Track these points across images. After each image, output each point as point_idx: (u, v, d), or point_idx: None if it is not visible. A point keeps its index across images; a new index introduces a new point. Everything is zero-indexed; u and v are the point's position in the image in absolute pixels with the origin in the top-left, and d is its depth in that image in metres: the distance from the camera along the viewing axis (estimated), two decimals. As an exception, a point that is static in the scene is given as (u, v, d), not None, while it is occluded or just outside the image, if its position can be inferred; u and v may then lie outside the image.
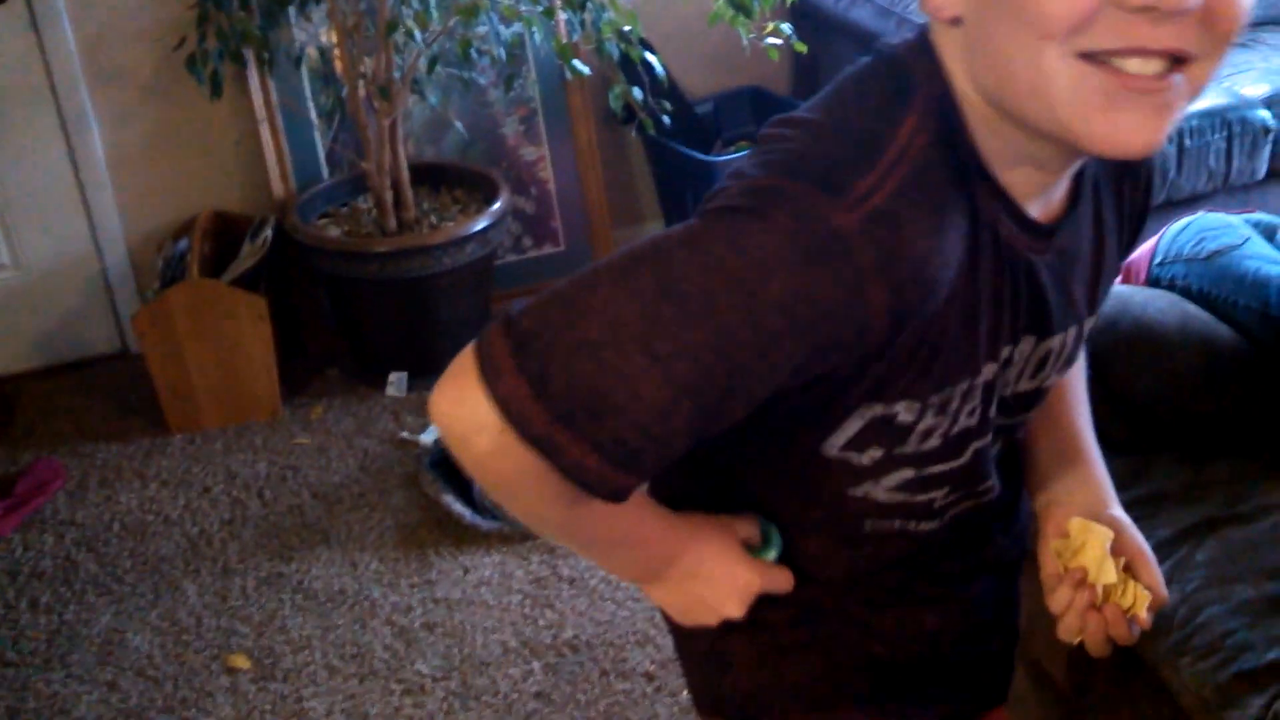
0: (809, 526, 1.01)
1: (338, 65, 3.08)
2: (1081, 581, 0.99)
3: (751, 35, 2.83)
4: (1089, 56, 0.75)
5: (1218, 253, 1.84)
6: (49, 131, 3.11)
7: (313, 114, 3.23)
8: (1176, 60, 0.75)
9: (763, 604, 1.02)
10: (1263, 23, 3.66)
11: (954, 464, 0.94)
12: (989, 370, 0.90)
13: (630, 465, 0.82)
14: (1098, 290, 1.00)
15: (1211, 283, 1.79)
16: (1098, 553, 0.99)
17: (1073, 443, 1.11)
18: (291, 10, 2.93)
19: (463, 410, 0.82)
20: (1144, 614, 0.98)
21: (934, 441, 0.91)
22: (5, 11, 2.97)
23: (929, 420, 0.89)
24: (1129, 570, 1.00)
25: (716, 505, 1.03)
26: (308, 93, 3.21)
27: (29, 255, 3.21)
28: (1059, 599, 1.00)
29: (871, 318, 0.78)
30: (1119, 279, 2.01)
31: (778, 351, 0.79)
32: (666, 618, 1.10)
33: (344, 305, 3.12)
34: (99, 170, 3.17)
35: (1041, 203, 0.89)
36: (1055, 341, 0.96)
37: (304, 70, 3.14)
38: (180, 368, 2.91)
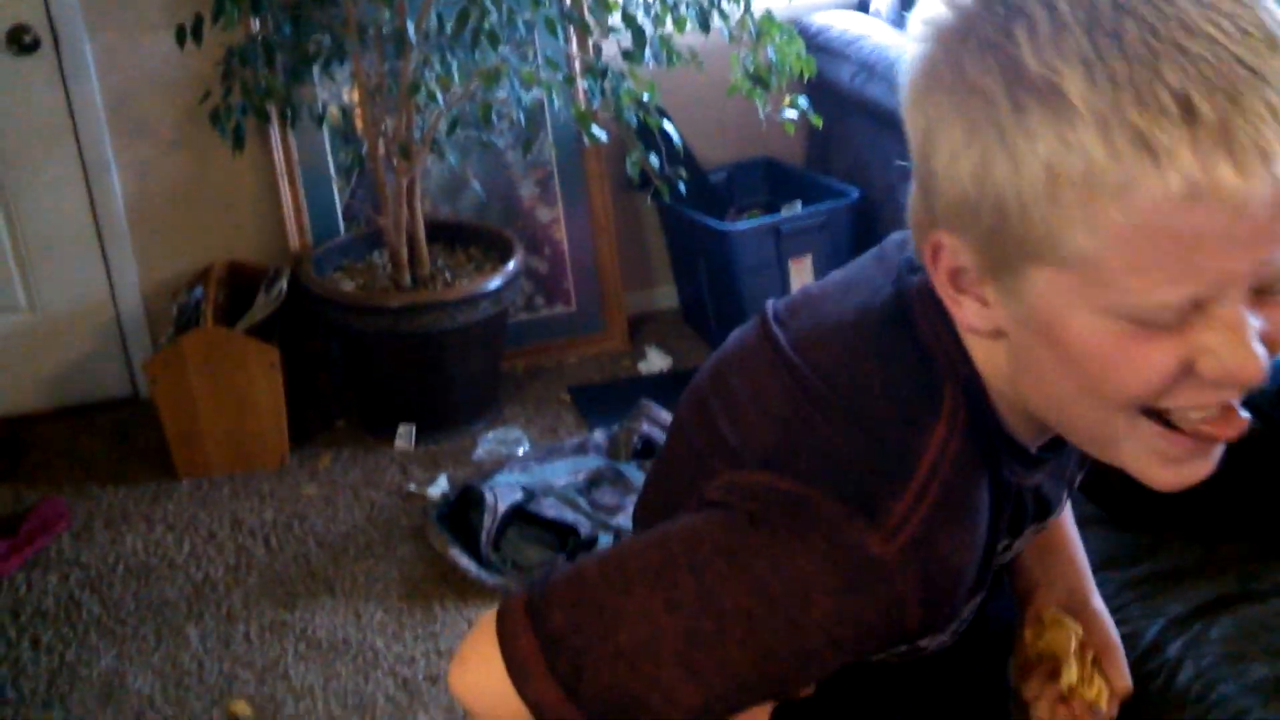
0: None
1: (358, 123, 3.13)
2: (1054, 672, 1.02)
3: (768, 108, 2.89)
4: (1152, 411, 0.74)
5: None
6: (71, 178, 3.16)
7: (332, 170, 3.28)
8: None
9: None
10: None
11: (943, 635, 0.96)
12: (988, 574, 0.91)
13: None
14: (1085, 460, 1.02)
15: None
16: (1066, 648, 1.02)
17: (1055, 539, 1.11)
18: (315, 69, 2.98)
19: (490, 700, 0.82)
20: (1105, 706, 1.02)
21: (940, 637, 0.93)
22: (34, 61, 3.03)
23: (937, 639, 0.92)
24: (1097, 663, 1.03)
25: None
26: (328, 149, 3.26)
27: (45, 298, 3.25)
28: (1030, 689, 1.03)
29: (908, 628, 0.79)
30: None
31: (817, 665, 0.81)
32: None
33: (355, 358, 3.15)
34: (118, 218, 3.22)
35: (1050, 433, 0.88)
36: (1055, 514, 0.98)
37: (325, 127, 3.19)
38: (190, 414, 2.93)
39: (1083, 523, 1.71)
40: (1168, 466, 0.76)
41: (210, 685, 2.36)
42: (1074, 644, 1.01)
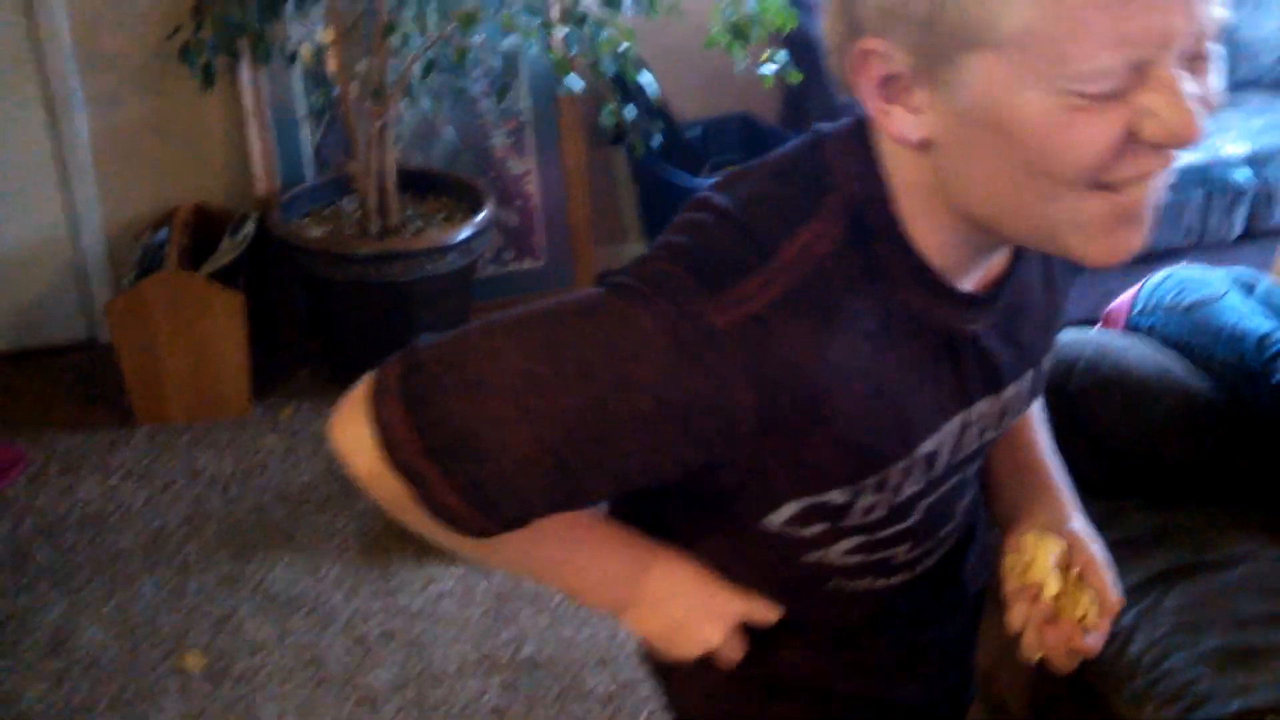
0: (768, 591, 0.98)
1: (331, 64, 3.07)
2: (1036, 597, 0.98)
3: (746, 61, 2.84)
4: (1099, 185, 0.75)
5: (1197, 304, 1.85)
6: (33, 112, 3.08)
7: (301, 112, 3.21)
8: None
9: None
10: (1244, 83, 3.70)
11: (905, 524, 0.94)
12: (931, 443, 0.89)
13: (489, 512, 0.84)
14: (1054, 333, 1.00)
15: (1190, 333, 1.79)
16: (1046, 565, 0.98)
17: (1034, 466, 1.11)
18: (289, 6, 2.91)
19: (349, 430, 0.85)
20: (1096, 620, 0.98)
21: (879, 512, 0.90)
22: (-3, -10, 2.95)
23: (868, 499, 0.89)
24: (1082, 579, 0.99)
25: None
26: (299, 90, 3.19)
27: (2, 236, 3.18)
28: (1015, 616, 0.99)
29: (738, 417, 0.79)
30: (1100, 325, 2.02)
31: (646, 434, 0.81)
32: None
33: (321, 306, 3.10)
34: (82, 154, 3.14)
35: (979, 272, 0.88)
36: (1010, 391, 0.95)
37: (297, 67, 3.12)
38: (151, 359, 2.88)
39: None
40: (1110, 237, 0.77)
41: (163, 637, 2.33)
42: (1053, 559, 0.98)
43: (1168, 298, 1.87)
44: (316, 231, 3.06)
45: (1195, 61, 0.73)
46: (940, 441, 0.90)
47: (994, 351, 0.91)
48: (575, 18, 2.83)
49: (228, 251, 2.98)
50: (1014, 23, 0.70)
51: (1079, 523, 1.05)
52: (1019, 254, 0.91)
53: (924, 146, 0.79)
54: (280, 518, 2.63)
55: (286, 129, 3.21)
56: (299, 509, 2.66)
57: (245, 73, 3.09)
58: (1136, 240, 0.78)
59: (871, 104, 0.79)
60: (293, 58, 3.05)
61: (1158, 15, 0.69)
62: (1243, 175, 3.11)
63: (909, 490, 0.91)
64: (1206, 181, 3.08)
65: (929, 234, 0.83)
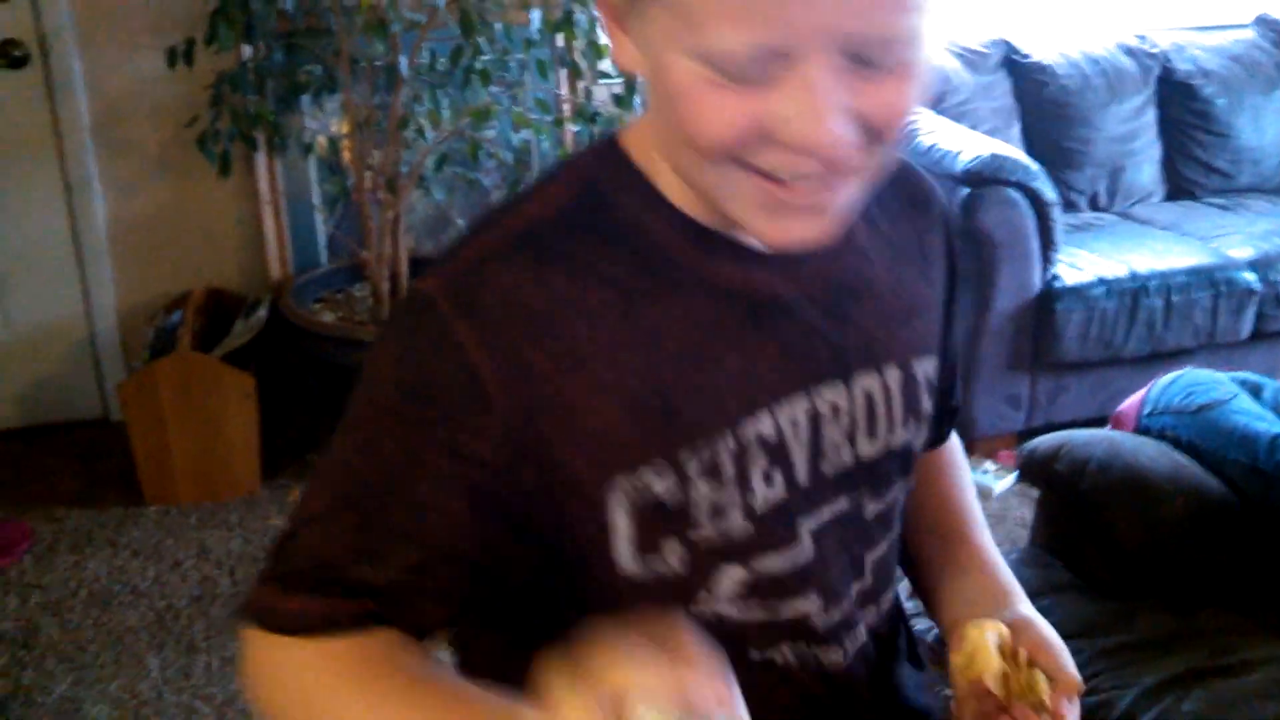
0: None
1: (345, 155, 3.13)
2: (986, 691, 0.89)
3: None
4: (752, 168, 0.72)
5: (1206, 407, 1.88)
6: (52, 195, 3.14)
7: (316, 200, 3.27)
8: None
9: None
10: (1247, 189, 3.78)
11: (794, 555, 0.85)
12: (765, 425, 0.82)
13: (308, 588, 0.79)
14: (916, 328, 0.93)
15: (1200, 435, 1.82)
16: (988, 653, 0.90)
17: (965, 551, 1.03)
18: (305, 99, 2.98)
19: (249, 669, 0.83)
20: (1046, 700, 0.88)
21: (736, 520, 0.82)
22: (22, 76, 3.02)
23: (702, 490, 0.80)
24: (1034, 663, 0.90)
25: None
26: (313, 179, 3.25)
27: (18, 315, 3.21)
28: (966, 714, 0.90)
29: (482, 384, 0.76)
30: (1109, 426, 2.05)
31: (414, 436, 0.77)
32: None
33: (332, 390, 3.11)
34: (98, 237, 3.19)
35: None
36: (871, 385, 0.88)
37: (312, 157, 3.18)
38: (161, 439, 2.89)
39: (1058, 589, 1.71)
40: (772, 220, 0.74)
41: (168, 717, 2.31)
42: (991, 639, 0.90)
43: (1177, 400, 1.90)
44: (329, 317, 3.09)
45: (868, 71, 0.68)
46: (780, 428, 0.83)
47: (821, 329, 0.85)
48: (587, 115, 2.89)
49: (241, 335, 3.01)
50: None
51: (1025, 608, 0.96)
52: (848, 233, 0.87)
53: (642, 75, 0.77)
54: (287, 601, 2.63)
55: (300, 215, 3.26)
56: (306, 592, 2.66)
57: (262, 161, 3.15)
58: (811, 231, 0.75)
59: (610, 31, 0.78)
60: (308, 148, 3.11)
61: (800, 11, 0.65)
62: (1249, 278, 3.17)
63: (767, 495, 0.83)
64: (1214, 283, 3.13)
65: (680, 190, 0.81)
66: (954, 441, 1.13)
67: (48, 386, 3.29)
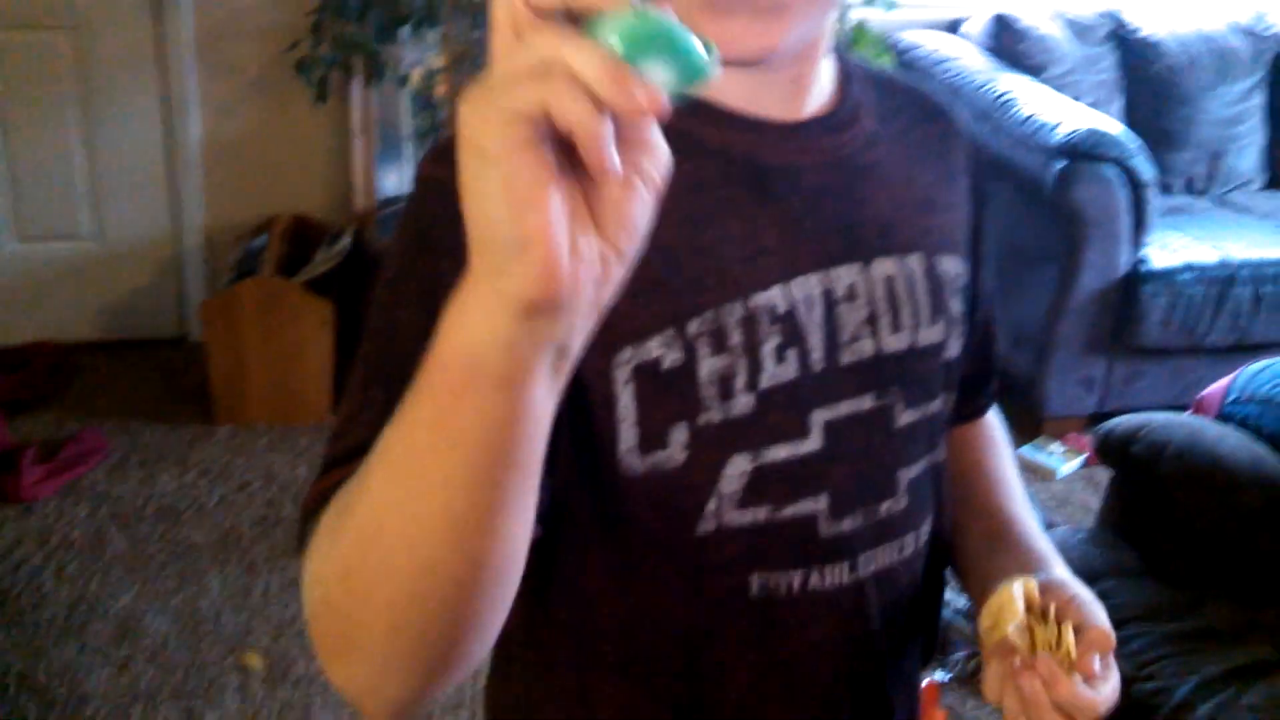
0: (693, 618, 0.83)
1: (440, 89, 3.13)
2: (1011, 649, 0.81)
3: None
4: None
5: (1294, 399, 1.82)
6: (150, 112, 3.18)
7: (406, 131, 3.28)
8: None
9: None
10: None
11: (804, 446, 0.81)
12: (777, 296, 0.80)
13: (331, 447, 0.75)
14: (938, 222, 0.89)
15: (1285, 428, 1.77)
16: (1014, 606, 0.83)
17: (1006, 528, 0.97)
18: (406, 29, 2.98)
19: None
20: (1077, 655, 0.79)
21: (744, 401, 0.79)
22: (128, -8, 3.06)
23: (710, 362, 0.78)
24: (1062, 619, 0.82)
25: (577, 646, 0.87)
26: (406, 110, 3.26)
27: (109, 229, 3.27)
28: (990, 675, 0.82)
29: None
30: (1191, 410, 2.00)
31: (428, 293, 0.67)
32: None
33: (407, 324, 3.14)
34: (192, 156, 3.23)
35: (777, 104, 0.82)
36: (891, 271, 0.84)
37: (406, 89, 3.19)
38: (238, 361, 2.93)
39: (1124, 573, 1.68)
40: (716, 20, 0.71)
41: (226, 634, 2.36)
42: (1016, 591, 0.83)
43: (1264, 389, 1.85)
44: (410, 250, 3.11)
45: None
46: (792, 301, 0.80)
47: (832, 205, 0.83)
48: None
49: (323, 262, 3.03)
50: None
51: (1059, 570, 0.90)
52: (847, 98, 0.86)
53: None
54: (350, 528, 2.66)
55: (390, 147, 3.27)
56: (368, 521, 2.69)
57: (356, 91, 3.16)
58: (757, 35, 0.72)
59: None
60: (404, 80, 3.11)
61: None
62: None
63: (777, 372, 0.79)
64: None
65: None
66: (994, 418, 1.08)
67: (132, 302, 3.35)
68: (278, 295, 2.89)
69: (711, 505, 0.80)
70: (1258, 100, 3.67)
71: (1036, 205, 3.03)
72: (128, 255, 3.30)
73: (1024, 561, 0.91)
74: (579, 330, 0.55)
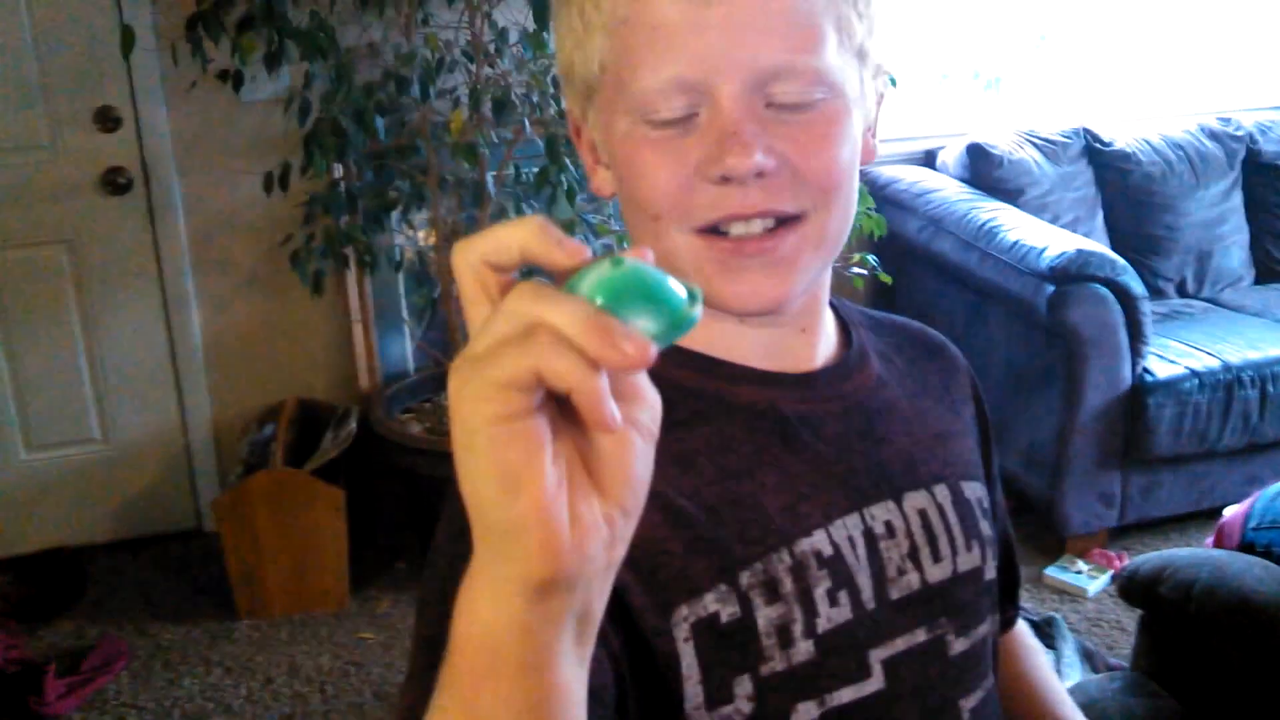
0: None
1: (433, 267, 3.18)
2: None
3: (837, 263, 2.89)
4: (704, 232, 0.78)
5: (1316, 521, 1.82)
6: (152, 313, 3.23)
7: (404, 311, 3.32)
8: (785, 220, 0.79)
9: None
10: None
11: (867, 686, 0.82)
12: (820, 541, 0.82)
13: None
14: (954, 451, 0.94)
15: (1310, 553, 1.76)
16: None
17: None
18: (394, 215, 3.04)
19: None
20: None
21: (805, 648, 0.80)
22: (125, 200, 3.12)
23: (767, 612, 0.79)
24: None
25: None
26: (401, 290, 3.31)
27: (118, 429, 3.29)
28: None
29: None
30: (1210, 540, 1.99)
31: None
32: None
33: (420, 500, 3.15)
34: (194, 352, 3.27)
35: (790, 357, 0.88)
36: (923, 504, 0.88)
37: (400, 270, 3.24)
38: (253, 554, 2.93)
39: (1159, 716, 1.66)
40: (729, 280, 0.79)
41: (262, 841, 2.32)
42: None
43: (1284, 514, 1.84)
44: (416, 428, 3.13)
45: (788, 111, 0.76)
46: (836, 545, 0.83)
47: (857, 447, 0.87)
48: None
49: (331, 448, 3.05)
50: (598, 53, 0.79)
51: None
52: (851, 343, 0.91)
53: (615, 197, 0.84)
54: (377, 718, 2.63)
55: (389, 326, 3.31)
56: (396, 708, 2.66)
57: (352, 277, 3.21)
58: (768, 287, 0.79)
59: (588, 169, 0.87)
60: (399, 265, 3.16)
61: (701, 42, 0.74)
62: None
63: (832, 615, 0.81)
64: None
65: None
66: (1023, 625, 1.13)
67: (145, 499, 3.35)
68: (288, 485, 2.90)
69: None
70: (1236, 200, 3.73)
71: (1033, 328, 3.06)
72: (137, 454, 3.32)
73: None
74: (597, 594, 0.53)
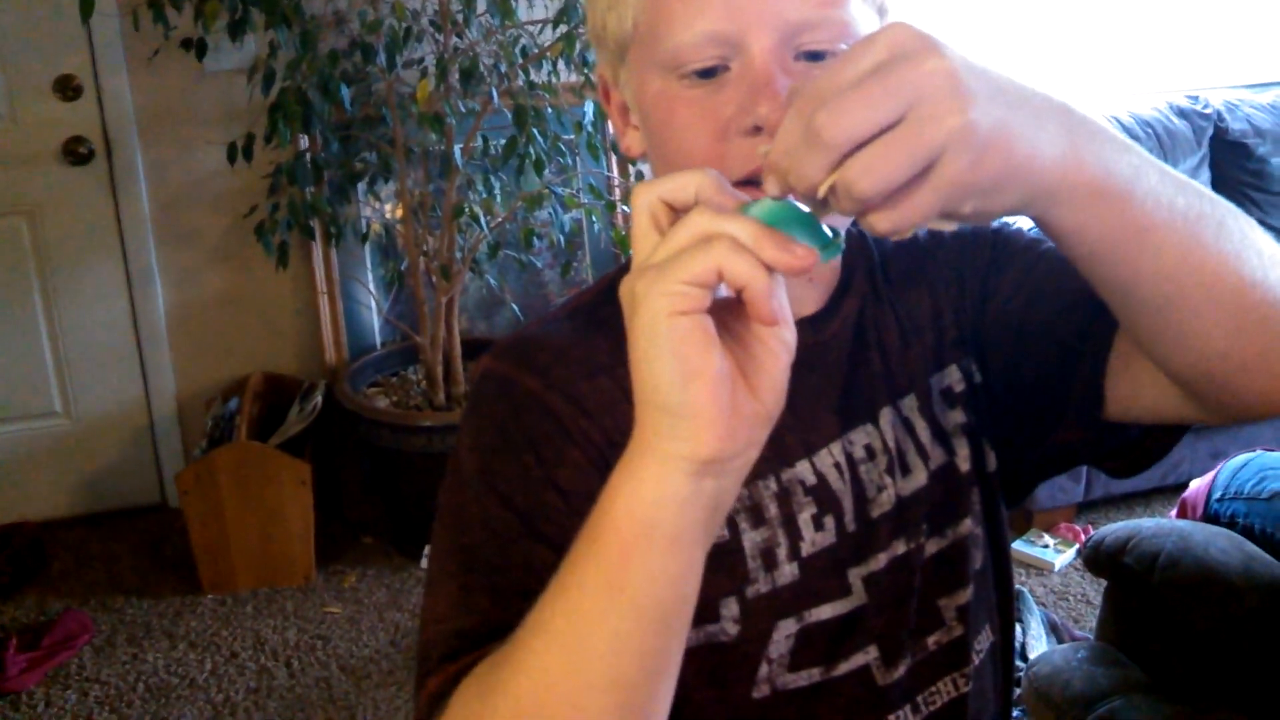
0: None
1: (400, 240, 3.15)
2: None
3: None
4: (738, 186, 0.75)
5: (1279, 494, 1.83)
6: (114, 286, 3.19)
7: (371, 284, 3.30)
8: None
9: None
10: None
11: (847, 603, 0.85)
12: (803, 470, 0.84)
13: (454, 660, 0.75)
14: (922, 349, 0.91)
15: (1274, 524, 1.77)
16: None
17: None
18: (361, 187, 3.01)
19: None
20: None
21: (789, 570, 0.83)
22: (86, 171, 3.08)
23: (752, 535, 0.83)
24: None
25: None
26: (368, 262, 3.28)
27: (81, 404, 3.26)
28: None
29: (555, 409, 0.81)
30: (1174, 512, 2.00)
31: (515, 488, 0.79)
32: None
33: (386, 475, 3.13)
34: (158, 326, 3.23)
35: (795, 307, 0.84)
36: (891, 417, 0.88)
37: (366, 243, 3.21)
38: (218, 528, 2.90)
39: (1130, 689, 1.67)
40: None
41: (226, 815, 2.30)
42: None
43: (1248, 486, 1.85)
44: (383, 401, 3.11)
45: (812, 61, 0.76)
46: (820, 474, 0.85)
47: (844, 379, 0.87)
48: (640, 195, 2.90)
49: (297, 422, 3.02)
50: (632, 16, 0.80)
51: None
52: (846, 296, 0.89)
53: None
54: (344, 691, 2.62)
55: (355, 300, 3.29)
56: (362, 682, 2.65)
57: (317, 249, 3.18)
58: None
59: (617, 130, 0.88)
60: (364, 236, 3.13)
61: None
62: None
63: (816, 539, 0.84)
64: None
65: None
66: None
67: (108, 474, 3.32)
68: (253, 459, 2.88)
69: (763, 671, 0.84)
70: (1204, 178, 3.74)
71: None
72: (100, 428, 3.28)
73: None
74: (732, 485, 0.60)
